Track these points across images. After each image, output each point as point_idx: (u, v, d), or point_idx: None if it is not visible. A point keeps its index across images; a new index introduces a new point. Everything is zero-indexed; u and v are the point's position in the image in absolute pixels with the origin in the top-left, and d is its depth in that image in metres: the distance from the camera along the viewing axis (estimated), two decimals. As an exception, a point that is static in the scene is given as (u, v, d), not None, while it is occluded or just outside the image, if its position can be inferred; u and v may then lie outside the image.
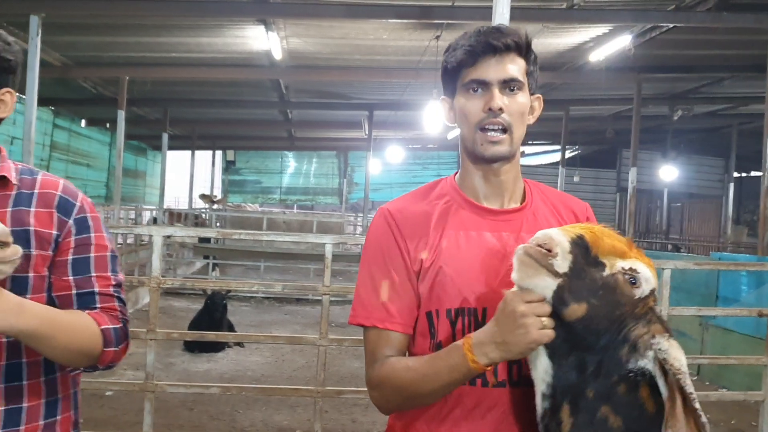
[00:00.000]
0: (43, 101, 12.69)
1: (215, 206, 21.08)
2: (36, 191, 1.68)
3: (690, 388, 1.39)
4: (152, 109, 19.48)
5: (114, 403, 6.40)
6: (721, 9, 8.95)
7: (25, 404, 1.63)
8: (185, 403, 6.54)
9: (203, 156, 27.19)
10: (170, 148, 20.10)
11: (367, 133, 18.37)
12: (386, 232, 1.72)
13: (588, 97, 16.23)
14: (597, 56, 11.29)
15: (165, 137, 19.03)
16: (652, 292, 1.50)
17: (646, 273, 1.48)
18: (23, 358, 1.63)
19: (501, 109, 1.63)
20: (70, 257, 1.66)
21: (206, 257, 15.34)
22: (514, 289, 1.47)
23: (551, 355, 1.47)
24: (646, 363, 1.45)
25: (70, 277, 1.65)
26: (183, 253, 16.57)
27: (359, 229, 24.11)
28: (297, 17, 10.10)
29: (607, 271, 1.46)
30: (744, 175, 28.61)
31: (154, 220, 18.68)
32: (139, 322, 7.01)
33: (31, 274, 1.63)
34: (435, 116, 13.04)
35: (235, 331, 9.11)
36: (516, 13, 5.29)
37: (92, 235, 1.69)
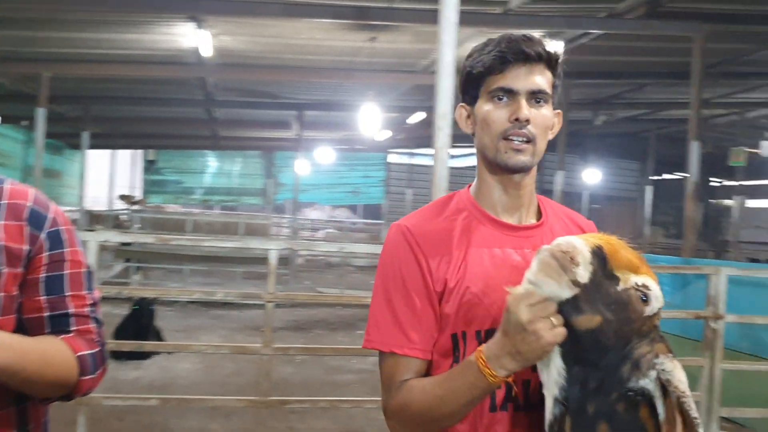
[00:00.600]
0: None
1: (135, 207, 20.53)
2: (4, 202, 1.51)
3: (694, 412, 1.36)
4: (72, 106, 18.78)
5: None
6: (651, 17, 9.18)
7: None
8: (115, 413, 6.28)
9: (123, 155, 26.46)
10: (90, 146, 19.46)
11: (296, 133, 18.17)
12: (406, 251, 1.63)
13: (517, 101, 16.37)
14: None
15: (86, 136, 18.41)
16: (660, 310, 1.47)
17: (657, 291, 1.45)
18: None
19: (528, 121, 1.58)
20: (42, 275, 1.51)
21: (127, 260, 14.87)
22: (514, 289, 1.41)
23: (565, 354, 1.42)
24: (647, 383, 1.41)
25: (43, 297, 1.50)
26: (103, 256, 16.03)
27: (284, 231, 23.93)
28: (230, 15, 9.88)
29: (621, 286, 1.42)
30: (658, 178, 29.59)
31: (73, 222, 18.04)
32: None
33: (0, 294, 1.47)
34: (370, 118, 12.97)
35: (162, 337, 8.87)
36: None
37: (66, 250, 1.54)
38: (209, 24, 10.55)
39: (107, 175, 22.37)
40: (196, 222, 18.31)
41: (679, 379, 1.39)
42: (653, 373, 1.40)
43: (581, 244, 1.40)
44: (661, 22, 9.26)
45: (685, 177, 9.48)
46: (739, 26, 9.76)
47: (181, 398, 5.48)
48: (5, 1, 9.24)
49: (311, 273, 19.90)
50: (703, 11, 9.45)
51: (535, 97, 1.60)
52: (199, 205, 31.16)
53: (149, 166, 30.17)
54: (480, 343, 1.54)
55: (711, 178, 28.60)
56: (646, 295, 1.43)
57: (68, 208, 21.68)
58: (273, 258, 4.49)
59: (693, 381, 5.22)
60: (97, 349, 1.54)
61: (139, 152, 27.82)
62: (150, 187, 30.14)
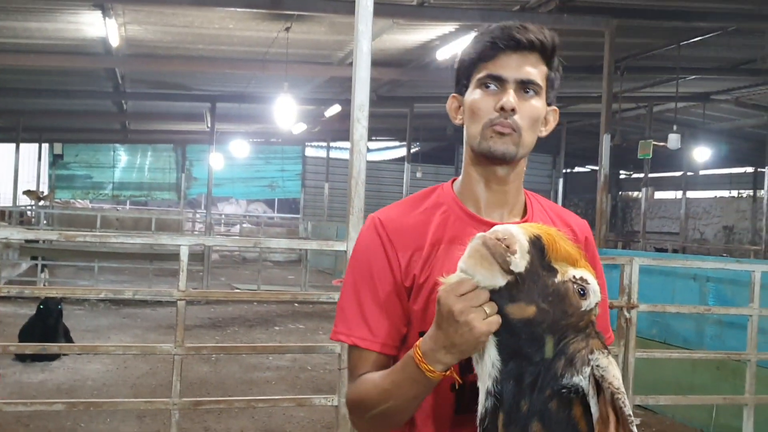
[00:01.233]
0: None
1: (41, 203, 19.78)
2: None
3: (628, 410, 1.32)
4: (-30, 98, 17.95)
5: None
6: (563, 11, 9.35)
7: None
8: (20, 419, 5.98)
9: (28, 149, 25.37)
10: (-9, 140, 18.64)
11: (209, 126, 17.82)
12: (375, 243, 1.58)
13: (432, 94, 16.49)
14: (443, 54, 11.45)
15: (-15, 129, 17.62)
16: (597, 305, 1.42)
17: (595, 285, 1.40)
18: None
19: (513, 110, 1.51)
20: None
21: (34, 258, 14.29)
22: (446, 279, 1.36)
23: (500, 345, 1.36)
24: (581, 380, 1.36)
25: None
26: (8, 253, 15.37)
27: (198, 226, 23.45)
28: (138, 3, 9.58)
29: (558, 278, 1.37)
30: (569, 171, 30.39)
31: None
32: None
33: None
34: (285, 110, 12.78)
35: (71, 338, 8.55)
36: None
37: None
38: (116, 12, 10.18)
39: (11, 170, 21.37)
40: (106, 218, 17.81)
41: (614, 375, 1.35)
42: (587, 370, 1.36)
43: (519, 233, 1.35)
44: (572, 16, 9.43)
45: (595, 170, 9.71)
46: (649, 21, 10.02)
47: (89, 402, 5.23)
48: None
49: (227, 269, 19.60)
50: (613, 6, 9.67)
51: (525, 87, 1.54)
52: (110, 201, 30.32)
53: (56, 160, 29.09)
54: None
55: (620, 171, 29.51)
56: (584, 288, 1.38)
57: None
58: (184, 254, 4.31)
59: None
60: None
61: (45, 146, 26.74)
62: (58, 183, 29.09)
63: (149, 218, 16.91)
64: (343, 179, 18.21)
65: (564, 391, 1.36)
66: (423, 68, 13.39)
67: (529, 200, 1.70)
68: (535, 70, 1.54)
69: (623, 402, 1.32)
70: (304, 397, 5.45)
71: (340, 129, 21.55)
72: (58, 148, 28.46)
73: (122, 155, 29.76)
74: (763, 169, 18.61)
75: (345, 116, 6.21)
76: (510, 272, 1.32)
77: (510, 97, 1.51)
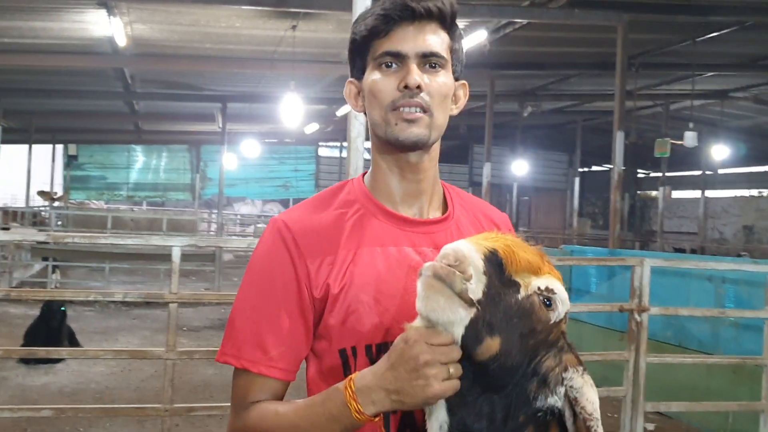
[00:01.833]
0: None
1: (56, 203, 19.81)
2: None
3: None
4: (-20, 100, 17.97)
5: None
6: (573, 6, 9.17)
7: None
8: (18, 423, 5.89)
9: (42, 150, 25.46)
10: (4, 141, 18.68)
11: (220, 126, 17.75)
12: (279, 250, 1.37)
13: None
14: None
15: (-2, 130, 17.65)
16: (566, 315, 1.26)
17: (563, 293, 1.24)
18: None
19: (419, 87, 1.33)
20: None
21: (45, 259, 14.27)
22: (418, 322, 1.18)
23: (451, 407, 1.20)
24: (556, 401, 1.22)
25: None
26: (20, 254, 15.37)
27: (213, 227, 23.40)
28: (141, 1, 9.49)
29: (522, 293, 1.21)
30: (586, 169, 30.07)
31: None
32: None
33: None
34: (291, 109, 12.66)
35: (76, 340, 8.49)
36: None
37: None
38: (120, 11, 10.10)
39: (24, 171, 21.44)
40: (121, 219, 17.81)
41: (587, 398, 1.21)
42: (562, 390, 1.23)
43: (471, 251, 1.17)
44: (583, 11, 9.25)
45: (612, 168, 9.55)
46: (661, 16, 9.81)
47: (76, 407, 5.14)
48: None
49: (240, 269, 19.51)
50: (626, 0, 9.46)
51: (429, 61, 1.36)
52: (125, 202, 30.37)
53: (70, 161, 29.19)
54: (371, 361, 1.31)
55: (637, 170, 29.18)
56: (549, 299, 1.22)
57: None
58: (176, 255, 4.19)
59: (619, 374, 5.12)
60: None
61: (60, 147, 26.82)
62: (72, 183, 29.19)
63: (163, 219, 16.88)
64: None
65: (540, 414, 1.23)
66: (434, 66, 13.23)
67: (448, 192, 1.53)
68: (437, 40, 1.37)
69: (596, 429, 1.20)
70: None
71: (353, 129, 21.41)
72: (72, 149, 28.58)
73: (138, 156, 29.85)
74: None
75: (355, 115, 6.17)
76: (470, 302, 1.15)
77: (413, 74, 1.34)
